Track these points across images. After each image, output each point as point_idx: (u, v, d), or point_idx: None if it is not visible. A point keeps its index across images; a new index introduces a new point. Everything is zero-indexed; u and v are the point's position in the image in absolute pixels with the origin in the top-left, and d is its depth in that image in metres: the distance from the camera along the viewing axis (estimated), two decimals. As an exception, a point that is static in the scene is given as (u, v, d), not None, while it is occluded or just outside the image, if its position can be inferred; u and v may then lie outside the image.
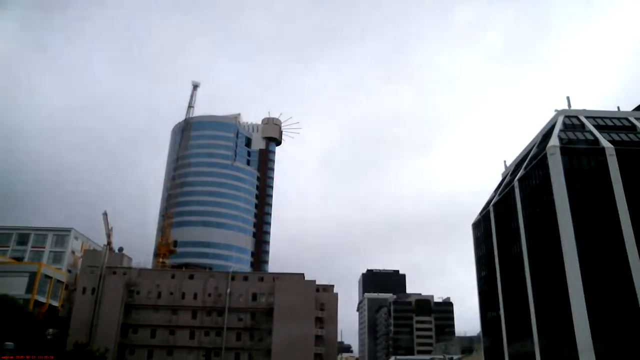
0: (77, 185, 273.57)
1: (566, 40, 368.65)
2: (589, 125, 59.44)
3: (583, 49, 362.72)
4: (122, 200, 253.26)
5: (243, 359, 77.87)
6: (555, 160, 53.80)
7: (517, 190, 63.11)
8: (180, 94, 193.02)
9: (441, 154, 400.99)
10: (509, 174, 71.66)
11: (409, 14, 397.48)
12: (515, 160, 72.79)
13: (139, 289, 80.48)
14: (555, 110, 63.39)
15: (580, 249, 49.73)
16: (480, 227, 76.40)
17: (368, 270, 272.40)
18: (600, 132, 57.76)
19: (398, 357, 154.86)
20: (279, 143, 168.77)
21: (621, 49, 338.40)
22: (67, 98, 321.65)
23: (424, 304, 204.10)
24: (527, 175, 61.21)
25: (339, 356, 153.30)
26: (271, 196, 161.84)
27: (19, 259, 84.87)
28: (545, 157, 55.54)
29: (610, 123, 61.04)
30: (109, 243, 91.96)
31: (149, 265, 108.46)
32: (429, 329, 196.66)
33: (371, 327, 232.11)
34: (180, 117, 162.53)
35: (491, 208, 71.98)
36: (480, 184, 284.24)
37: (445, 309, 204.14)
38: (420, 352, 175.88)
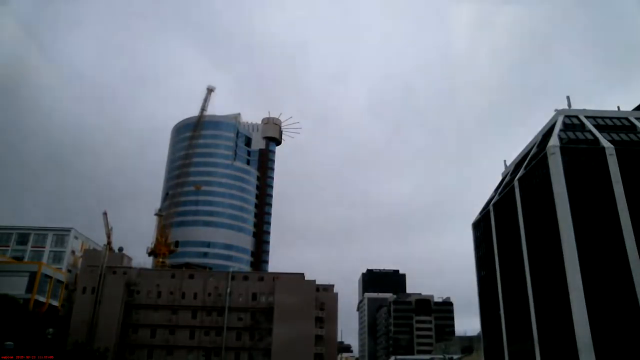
0: (77, 185, 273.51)
1: (566, 40, 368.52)
2: (589, 125, 59.41)
3: (583, 48, 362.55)
4: (122, 200, 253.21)
5: (243, 359, 77.88)
6: (555, 160, 53.78)
7: (517, 190, 63.08)
8: (180, 94, 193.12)
9: (442, 154, 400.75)
10: (509, 174, 71.62)
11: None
12: (515, 160, 72.77)
13: (139, 288, 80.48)
14: (555, 110, 63.35)
15: (580, 249, 49.71)
16: (480, 226, 76.39)
17: (368, 270, 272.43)
18: (600, 132, 57.74)
19: (398, 356, 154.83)
20: (279, 143, 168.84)
21: (621, 48, 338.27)
22: (67, 97, 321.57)
23: (424, 304, 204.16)
24: (527, 175, 61.18)
25: (339, 356, 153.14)
26: (271, 196, 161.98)
27: (19, 259, 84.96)
28: (545, 157, 55.51)
29: (610, 123, 61.01)
30: (109, 243, 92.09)
31: (149, 265, 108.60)
32: (429, 329, 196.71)
33: (371, 326, 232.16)
34: (180, 116, 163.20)
35: (491, 208, 71.96)
36: (480, 184, 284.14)
37: (445, 308, 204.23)
38: (420, 352, 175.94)
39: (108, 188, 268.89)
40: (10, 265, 77.05)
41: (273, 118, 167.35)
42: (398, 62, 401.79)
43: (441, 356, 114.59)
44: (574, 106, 64.02)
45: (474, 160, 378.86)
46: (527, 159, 63.55)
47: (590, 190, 53.22)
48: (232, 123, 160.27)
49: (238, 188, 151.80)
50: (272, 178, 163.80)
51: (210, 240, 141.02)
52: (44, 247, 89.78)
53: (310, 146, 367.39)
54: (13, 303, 57.44)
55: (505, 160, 77.47)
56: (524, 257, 59.55)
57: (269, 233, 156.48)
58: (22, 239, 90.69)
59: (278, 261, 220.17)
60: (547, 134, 61.06)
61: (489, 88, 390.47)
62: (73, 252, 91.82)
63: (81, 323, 74.60)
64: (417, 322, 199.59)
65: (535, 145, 63.85)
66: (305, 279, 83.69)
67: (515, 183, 63.65)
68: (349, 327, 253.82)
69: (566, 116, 61.33)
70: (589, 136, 57.47)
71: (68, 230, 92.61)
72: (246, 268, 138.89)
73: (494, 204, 71.54)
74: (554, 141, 55.65)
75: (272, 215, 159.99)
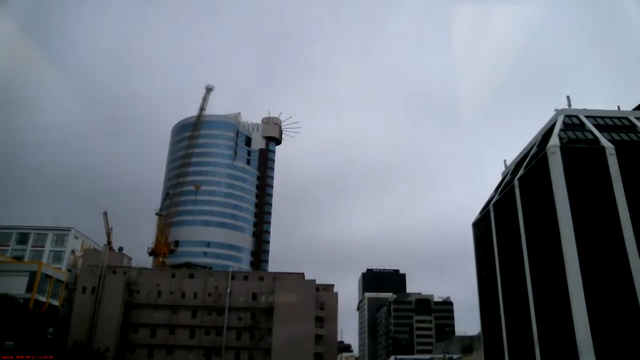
0: (77, 185, 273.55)
1: (566, 39, 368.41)
2: (589, 125, 59.40)
3: (583, 48, 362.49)
4: (122, 200, 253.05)
5: (243, 358, 77.95)
6: (555, 159, 53.77)
7: (517, 190, 63.08)
8: (181, 93, 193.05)
9: (442, 153, 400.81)
10: (509, 174, 71.63)
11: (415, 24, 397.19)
12: (515, 159, 72.78)
13: (139, 288, 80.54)
14: (556, 110, 63.30)
15: (580, 248, 49.68)
16: (480, 226, 76.40)
17: (368, 270, 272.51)
18: (600, 132, 57.74)
19: (398, 356, 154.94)
20: (279, 142, 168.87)
21: (621, 47, 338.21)
22: (67, 97, 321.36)
23: (424, 304, 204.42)
24: (527, 175, 61.18)
25: (339, 355, 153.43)
26: (271, 195, 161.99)
27: (19, 258, 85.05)
28: (545, 157, 55.51)
29: (611, 122, 61.00)
30: (109, 242, 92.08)
31: (149, 265, 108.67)
32: (429, 329, 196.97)
33: (371, 326, 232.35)
34: (180, 116, 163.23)
35: (491, 207, 71.97)
36: (480, 183, 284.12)
37: (445, 308, 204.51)
38: (420, 352, 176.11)
39: (108, 188, 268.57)
40: (10, 264, 77.12)
41: (273, 118, 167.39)
42: (398, 60, 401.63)
43: (441, 356, 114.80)
44: (574, 106, 63.97)
45: (474, 159, 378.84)
46: (527, 158, 63.55)
47: (591, 190, 53.20)
48: (232, 123, 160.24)
49: (238, 188, 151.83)
50: (272, 177, 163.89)
51: (210, 240, 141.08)
52: (44, 247, 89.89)
53: (311, 144, 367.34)
54: (13, 303, 57.48)
55: (505, 160, 77.60)
56: (524, 257, 59.55)
57: (269, 233, 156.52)
58: (22, 238, 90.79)
59: (278, 261, 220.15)
60: (547, 133, 61.04)
61: (489, 87, 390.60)
62: (73, 251, 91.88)
63: (81, 323, 74.68)
64: (417, 321, 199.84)
65: (536, 144, 63.84)
66: (305, 278, 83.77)
67: (515, 183, 63.66)
68: (349, 327, 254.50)
69: (566, 116, 61.31)
70: (589, 136, 57.46)
71: (68, 229, 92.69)
72: (246, 268, 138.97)
73: (494, 204, 71.55)
74: (554, 141, 55.64)
75: (272, 214, 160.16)
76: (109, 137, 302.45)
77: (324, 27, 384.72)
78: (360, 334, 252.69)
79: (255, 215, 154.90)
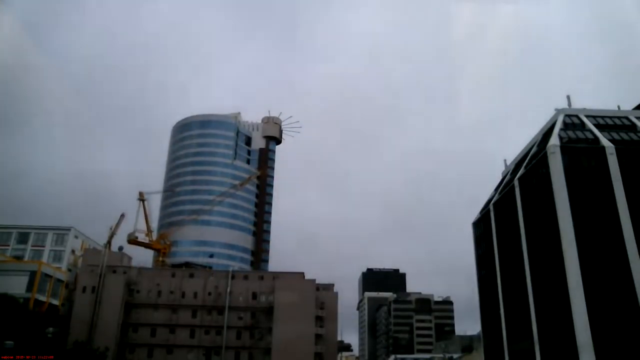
0: (78, 184, 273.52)
1: (566, 38, 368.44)
2: (589, 124, 59.36)
3: (583, 47, 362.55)
4: (122, 200, 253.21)
5: (243, 358, 78.03)
6: (555, 159, 53.73)
7: (517, 189, 63.05)
8: (181, 93, 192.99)
9: (441, 153, 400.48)
10: (509, 173, 71.60)
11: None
12: (515, 159, 72.74)
13: (139, 287, 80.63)
14: (556, 109, 63.22)
15: (580, 248, 49.64)
16: (480, 226, 76.36)
17: (368, 269, 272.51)
18: (600, 131, 57.69)
19: (398, 356, 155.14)
20: (279, 142, 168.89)
21: (621, 47, 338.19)
22: (67, 96, 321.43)
23: (424, 303, 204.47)
24: (528, 174, 61.16)
25: (339, 355, 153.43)
26: (271, 195, 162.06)
27: (19, 258, 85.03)
28: (545, 156, 55.47)
29: (611, 122, 60.93)
30: (109, 242, 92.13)
31: (149, 264, 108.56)
32: (429, 328, 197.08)
33: (371, 326, 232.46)
34: (180, 115, 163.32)
35: (491, 207, 71.94)
36: (480, 183, 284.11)
37: (445, 307, 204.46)
38: (420, 351, 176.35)
39: (108, 188, 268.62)
40: (11, 264, 77.09)
41: (273, 117, 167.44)
42: (397, 59, 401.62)
43: (441, 355, 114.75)
44: (574, 105, 63.92)
45: (474, 158, 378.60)
46: (527, 158, 63.52)
47: (591, 189, 53.17)
48: (232, 122, 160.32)
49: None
50: (272, 177, 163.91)
51: (210, 240, 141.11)
52: (44, 246, 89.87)
53: (310, 143, 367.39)
54: (13, 302, 57.47)
55: (505, 159, 77.54)
56: (524, 257, 59.53)
57: (269, 232, 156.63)
58: (22, 238, 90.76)
59: (278, 260, 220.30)
60: (547, 133, 61.00)
61: (489, 87, 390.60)
62: (73, 251, 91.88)
63: (81, 322, 74.76)
64: (417, 321, 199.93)
65: (536, 144, 63.80)
66: (305, 278, 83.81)
67: (516, 182, 63.63)
68: (349, 327, 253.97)
69: (566, 115, 61.25)
70: (589, 135, 57.42)
71: (68, 229, 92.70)
72: (246, 267, 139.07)
73: (494, 203, 71.53)
74: (554, 140, 55.60)
75: (272, 214, 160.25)
76: (109, 136, 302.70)
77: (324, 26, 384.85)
78: (360, 333, 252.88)
79: (255, 215, 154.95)
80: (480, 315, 76.09)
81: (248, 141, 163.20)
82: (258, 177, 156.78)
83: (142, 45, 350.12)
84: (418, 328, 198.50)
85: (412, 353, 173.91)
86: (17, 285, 68.07)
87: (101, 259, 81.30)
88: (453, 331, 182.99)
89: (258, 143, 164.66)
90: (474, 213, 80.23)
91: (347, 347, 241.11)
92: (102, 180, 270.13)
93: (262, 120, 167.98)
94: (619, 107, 65.52)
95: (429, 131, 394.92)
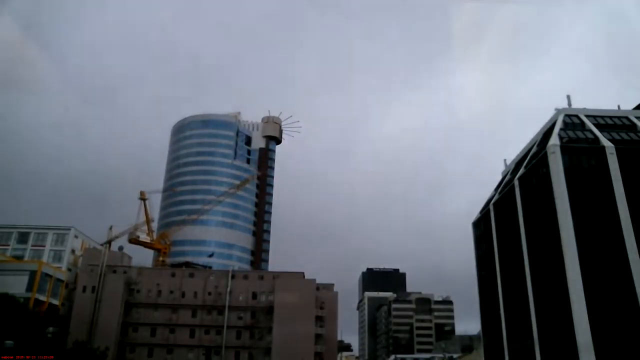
0: (77, 184, 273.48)
1: (566, 38, 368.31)
2: (589, 124, 59.38)
3: (583, 47, 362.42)
4: (121, 199, 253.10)
5: (243, 358, 78.02)
6: (555, 159, 53.77)
7: (517, 189, 63.08)
8: (180, 93, 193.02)
9: (442, 151, 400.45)
10: (509, 173, 71.61)
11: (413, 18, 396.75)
12: (515, 159, 72.76)
13: (139, 287, 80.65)
14: (556, 109, 63.25)
15: (580, 248, 49.67)
16: (480, 226, 76.38)
17: (368, 269, 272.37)
18: (600, 131, 57.72)
19: (398, 355, 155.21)
20: (279, 142, 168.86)
21: (621, 47, 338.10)
22: (67, 96, 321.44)
23: (424, 303, 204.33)
24: (528, 174, 61.18)
25: (339, 355, 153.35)
26: (271, 195, 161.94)
27: (19, 258, 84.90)
28: (545, 156, 55.50)
29: (611, 122, 60.98)
30: (109, 242, 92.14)
31: (149, 264, 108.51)
32: (429, 328, 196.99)
33: (371, 325, 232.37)
34: (180, 115, 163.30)
35: (491, 207, 71.96)
36: (480, 183, 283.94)
37: (445, 307, 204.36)
38: (420, 351, 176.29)
39: (108, 188, 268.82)
40: (11, 264, 77.01)
41: (273, 117, 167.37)
42: (397, 59, 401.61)
43: (441, 355, 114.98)
44: (574, 105, 63.94)
45: (474, 158, 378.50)
46: (527, 158, 63.54)
47: (591, 189, 53.21)
48: (232, 122, 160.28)
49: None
50: (272, 177, 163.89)
51: (210, 239, 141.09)
52: (44, 246, 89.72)
53: (311, 142, 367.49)
54: (13, 302, 57.37)
55: (505, 159, 77.57)
56: (524, 256, 59.56)
57: (269, 232, 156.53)
58: (22, 237, 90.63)
59: (278, 260, 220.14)
60: (547, 133, 61.03)
61: (489, 86, 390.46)
62: (73, 251, 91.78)
63: (81, 322, 74.82)
64: (417, 321, 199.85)
65: (536, 144, 63.82)
66: (305, 277, 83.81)
67: (516, 182, 63.65)
68: (349, 326, 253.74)
69: (566, 115, 61.28)
70: (589, 135, 57.46)
71: (68, 229, 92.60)
72: (246, 267, 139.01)
73: (494, 203, 71.54)
74: (554, 140, 55.64)
75: (272, 214, 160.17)
76: (109, 136, 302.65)
77: (324, 25, 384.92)
78: (360, 333, 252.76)
79: (255, 214, 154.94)
80: (480, 315, 76.13)
81: (248, 141, 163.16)
82: (258, 177, 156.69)
83: (142, 45, 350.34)
84: (418, 328, 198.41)
85: (412, 353, 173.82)
86: (17, 285, 67.92)
87: (101, 258, 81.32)
88: (453, 331, 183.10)
89: (258, 143, 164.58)
90: (474, 213, 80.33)
91: (347, 347, 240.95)
92: (102, 180, 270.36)
93: (262, 120, 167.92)
94: (619, 107, 65.55)
95: (429, 131, 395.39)
